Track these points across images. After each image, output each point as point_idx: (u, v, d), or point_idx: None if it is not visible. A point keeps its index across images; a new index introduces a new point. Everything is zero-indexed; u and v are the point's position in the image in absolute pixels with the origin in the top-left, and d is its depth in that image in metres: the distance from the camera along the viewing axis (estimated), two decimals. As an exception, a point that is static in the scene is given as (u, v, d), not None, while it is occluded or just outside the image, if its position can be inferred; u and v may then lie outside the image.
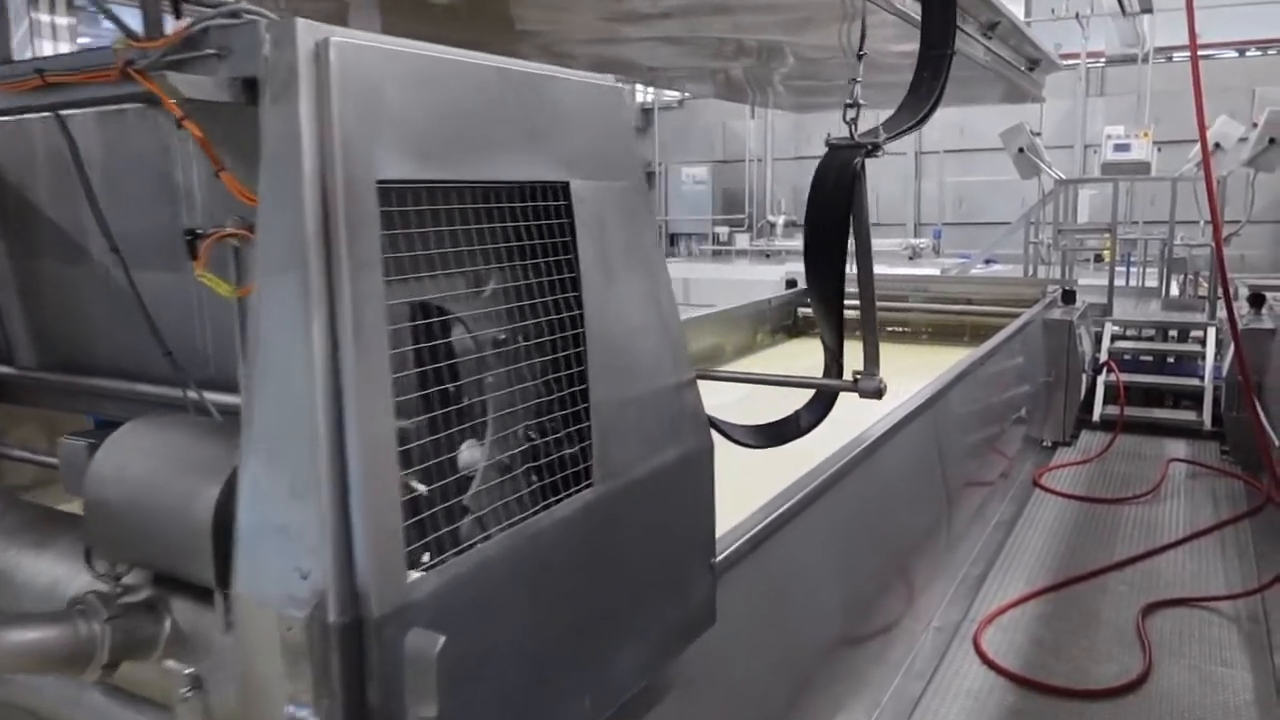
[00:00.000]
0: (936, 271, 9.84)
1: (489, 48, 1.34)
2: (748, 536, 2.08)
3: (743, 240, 14.76)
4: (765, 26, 3.84)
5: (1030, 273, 8.26)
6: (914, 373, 4.96)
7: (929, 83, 2.44)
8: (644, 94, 16.88)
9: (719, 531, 1.78)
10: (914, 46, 3.93)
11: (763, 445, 2.30)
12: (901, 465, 3.23)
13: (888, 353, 6.88)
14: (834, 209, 2.22)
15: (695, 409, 1.62)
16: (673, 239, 16.24)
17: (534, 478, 1.30)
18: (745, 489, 2.13)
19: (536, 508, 1.28)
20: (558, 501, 1.30)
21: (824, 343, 2.45)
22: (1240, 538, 4.34)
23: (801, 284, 7.29)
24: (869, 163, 2.31)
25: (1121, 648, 3.31)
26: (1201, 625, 3.49)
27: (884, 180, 14.77)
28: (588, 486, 1.35)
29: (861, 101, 2.34)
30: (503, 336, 1.26)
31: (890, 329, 6.85)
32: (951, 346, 6.22)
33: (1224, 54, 12.81)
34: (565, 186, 1.33)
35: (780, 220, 14.84)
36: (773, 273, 9.90)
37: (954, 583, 3.68)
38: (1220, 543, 4.26)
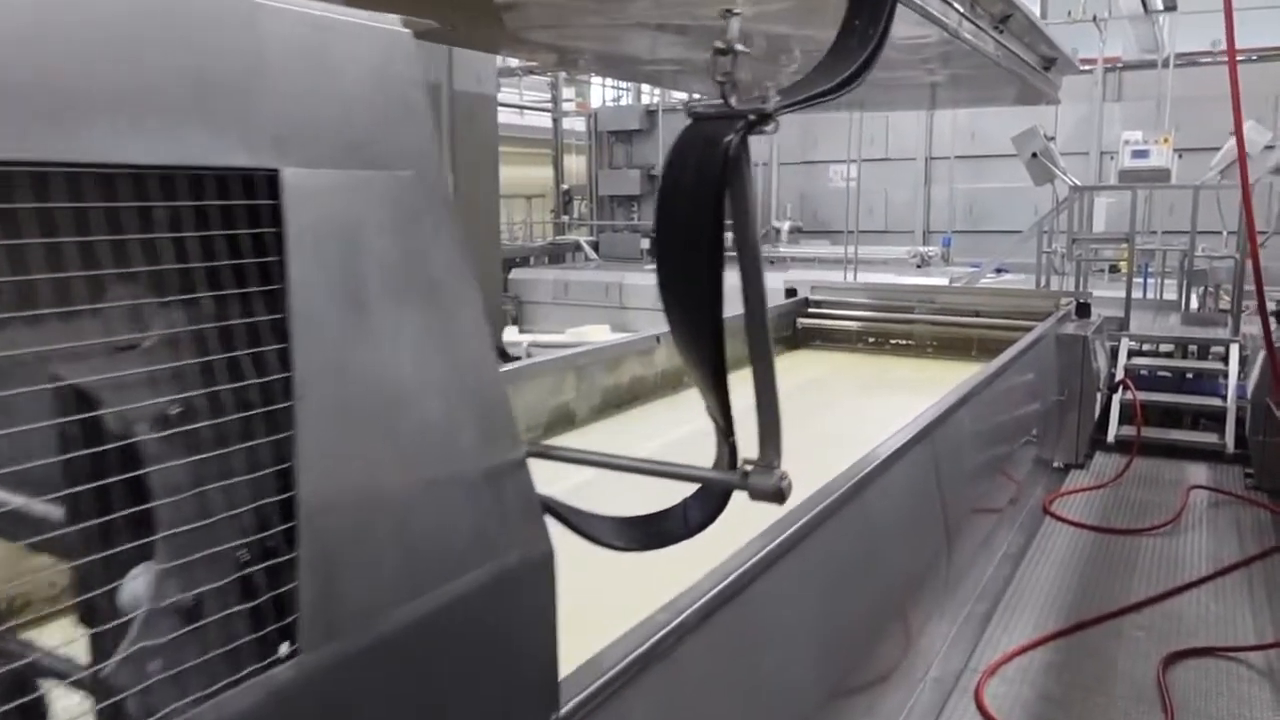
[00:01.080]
0: (945, 281, 9.50)
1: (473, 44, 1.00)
2: (705, 600, 1.76)
3: (747, 246, 14.41)
4: (769, 16, 3.57)
5: (1043, 283, 7.91)
6: (918, 389, 4.64)
7: (862, 34, 1.53)
8: (650, 95, 16.61)
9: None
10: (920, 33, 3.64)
11: (635, 547, 1.58)
12: (898, 497, 2.91)
13: (892, 367, 6.52)
14: (696, 210, 1.38)
15: (521, 501, 1.13)
16: (676, 244, 15.92)
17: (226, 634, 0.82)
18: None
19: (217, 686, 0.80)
20: (238, 682, 0.81)
21: (709, 411, 1.56)
22: (1269, 575, 3.99)
23: (805, 291, 7.01)
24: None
25: (1140, 705, 2.97)
26: (1229, 679, 3.15)
27: (894, 185, 14.44)
28: (290, 656, 0.84)
29: (740, 48, 1.39)
30: (174, 412, 0.82)
31: (894, 341, 6.52)
32: (958, 361, 5.89)
33: (1246, 59, 12.42)
34: (272, 177, 0.88)
35: (785, 226, 14.50)
36: (778, 280, 9.58)
37: (955, 625, 3.35)
38: (1248, 581, 3.92)
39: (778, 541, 2.05)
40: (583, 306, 13.33)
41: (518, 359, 4.93)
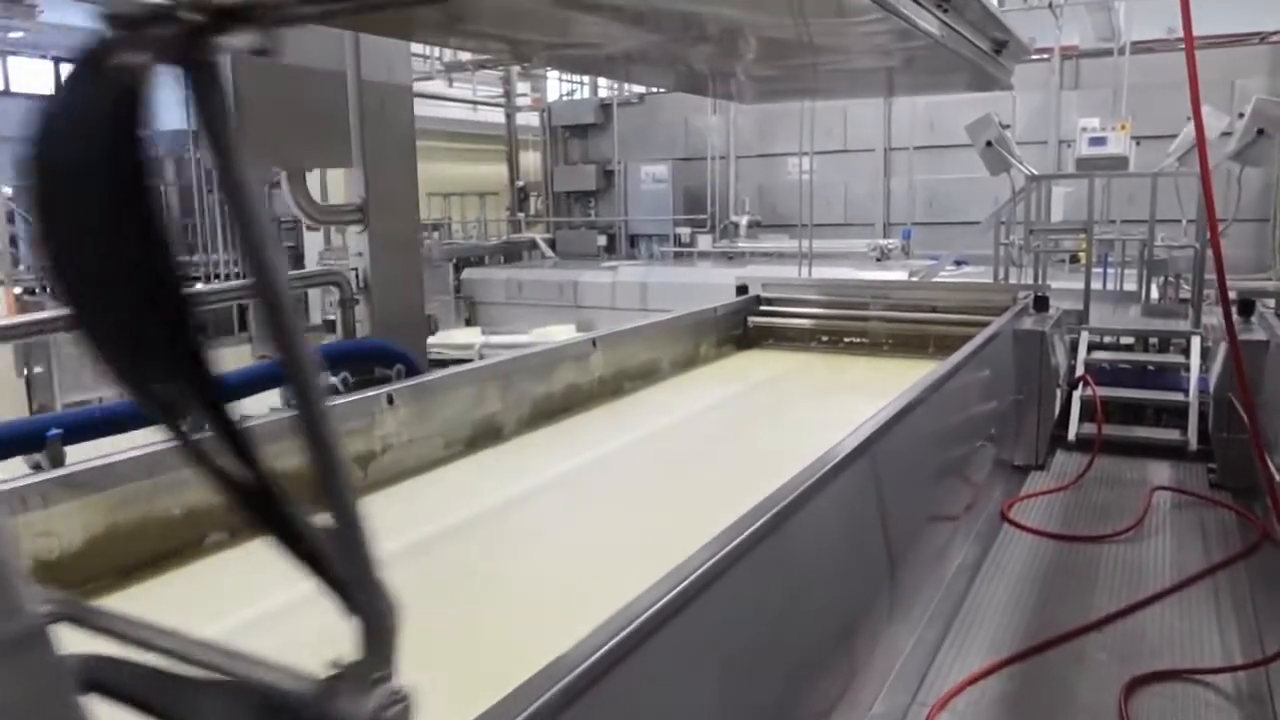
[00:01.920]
0: (905, 274, 9.29)
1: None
2: (590, 660, 1.47)
3: (705, 242, 14.16)
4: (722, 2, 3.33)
5: (1001, 276, 7.70)
6: (871, 391, 4.39)
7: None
8: (607, 89, 16.29)
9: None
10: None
11: None
12: (832, 521, 2.64)
13: (846, 367, 6.31)
14: (85, 177, 0.72)
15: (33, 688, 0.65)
16: (633, 240, 15.63)
17: None
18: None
19: None
20: None
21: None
22: (1235, 584, 3.78)
23: (757, 289, 6.75)
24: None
25: (1101, 739, 2.73)
26: (1196, 706, 2.91)
27: (852, 178, 14.24)
28: None
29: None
30: None
31: (848, 339, 6.28)
32: (915, 359, 5.65)
33: (1203, 46, 12.34)
34: None
35: (744, 220, 14.26)
36: (729, 276, 9.34)
37: (902, 655, 3.09)
38: (1213, 593, 3.70)
39: (691, 578, 1.77)
40: (537, 306, 13.04)
41: (468, 361, 4.67)
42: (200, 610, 2.30)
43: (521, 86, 17.15)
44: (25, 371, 11.26)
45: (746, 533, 2.03)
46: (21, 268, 12.94)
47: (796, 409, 4.98)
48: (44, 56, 20.72)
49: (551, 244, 15.72)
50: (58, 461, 2.44)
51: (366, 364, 3.93)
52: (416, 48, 14.40)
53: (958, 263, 9.83)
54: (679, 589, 1.71)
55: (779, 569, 2.25)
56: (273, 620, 2.18)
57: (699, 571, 1.81)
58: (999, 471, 4.97)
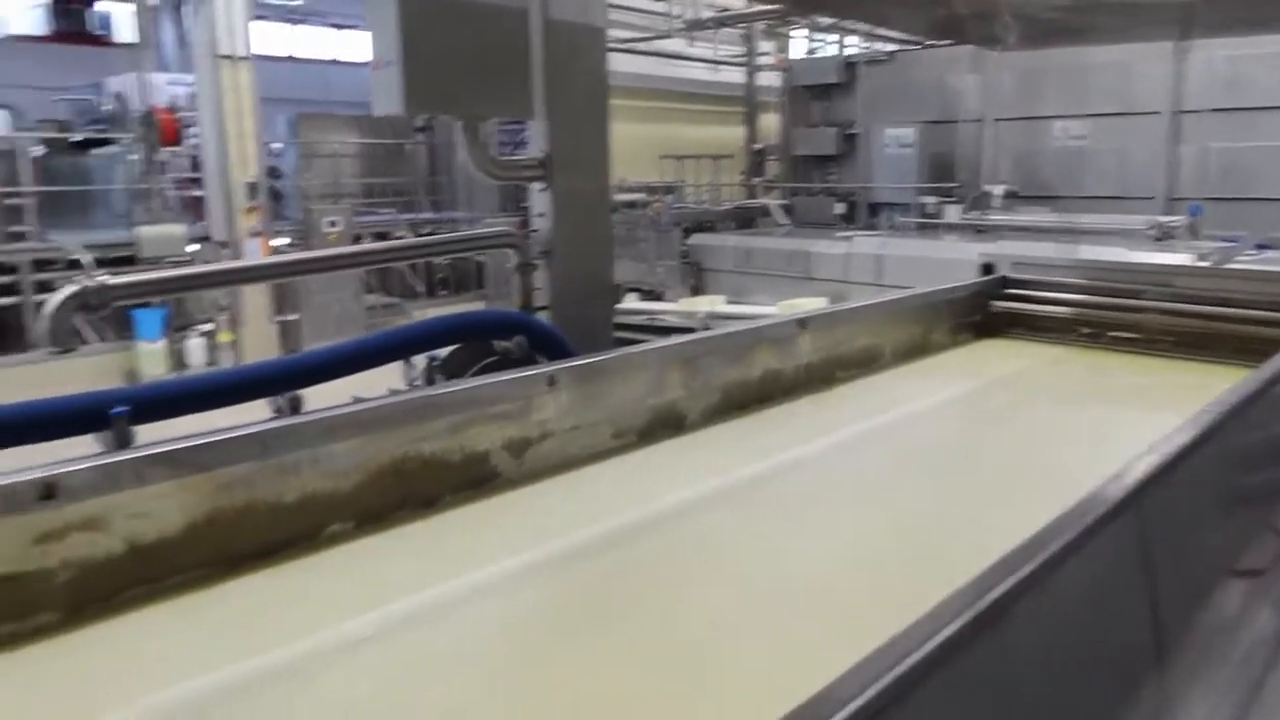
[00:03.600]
0: (1192, 258, 7.94)
1: None
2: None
3: (953, 213, 12.98)
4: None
5: (1322, 264, 6.32)
6: (1141, 399, 3.53)
7: None
8: (854, 46, 15.33)
9: None
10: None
11: None
12: (1107, 572, 1.94)
13: (1110, 368, 5.32)
14: None
15: None
16: (873, 209, 14.65)
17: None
18: None
19: None
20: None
21: None
22: None
23: (1005, 268, 5.85)
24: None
25: None
26: None
27: (1132, 144, 12.56)
28: None
29: None
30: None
31: (1114, 334, 5.27)
32: (1201, 363, 4.62)
33: None
34: None
35: (999, 190, 12.94)
36: (972, 253, 8.36)
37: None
38: None
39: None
40: (765, 275, 12.46)
41: (690, 331, 4.26)
42: (317, 607, 1.98)
43: (765, 46, 16.49)
44: (277, 317, 11.99)
45: (992, 597, 1.41)
46: (281, 223, 13.83)
47: (1045, 416, 4.14)
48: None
49: (787, 210, 15.03)
50: (125, 441, 2.18)
51: (494, 337, 3.53)
52: (657, 5, 14.08)
53: (1261, 246, 8.33)
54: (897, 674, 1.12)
55: (1011, 654, 1.61)
56: (399, 629, 1.82)
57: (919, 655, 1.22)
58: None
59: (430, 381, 3.60)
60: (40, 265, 11.35)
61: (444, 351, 3.78)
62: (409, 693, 1.72)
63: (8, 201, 12.12)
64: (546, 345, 3.93)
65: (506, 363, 3.62)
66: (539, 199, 4.45)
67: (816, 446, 3.57)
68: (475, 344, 3.65)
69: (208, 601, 2.04)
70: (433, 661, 1.84)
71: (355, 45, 22.85)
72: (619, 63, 9.39)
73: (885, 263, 11.39)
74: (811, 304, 10.57)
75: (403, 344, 3.45)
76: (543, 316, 4.27)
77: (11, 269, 11.44)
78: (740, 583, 2.35)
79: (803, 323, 4.17)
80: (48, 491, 1.89)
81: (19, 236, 12.03)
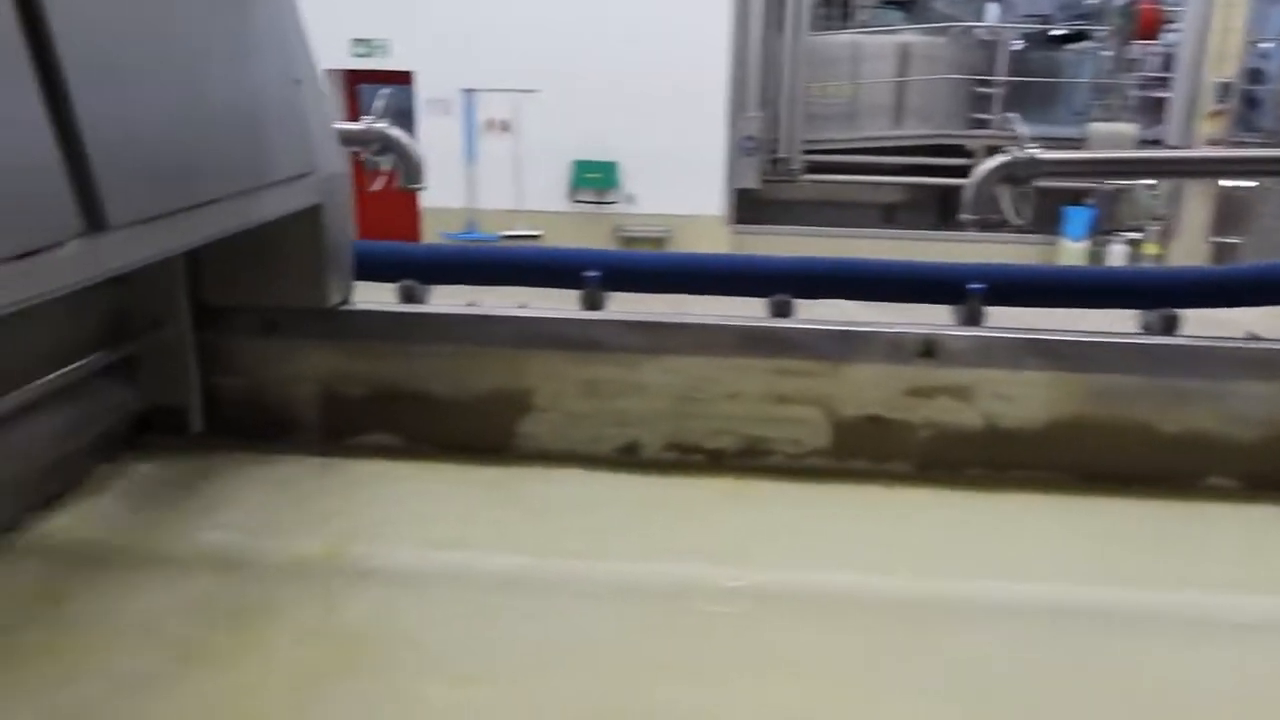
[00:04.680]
0: None
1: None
2: None
3: None
4: None
5: None
6: None
7: None
8: None
9: None
10: None
11: None
12: None
13: None
14: None
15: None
16: None
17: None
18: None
19: None
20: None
21: None
22: None
23: None
24: None
25: None
26: None
27: None
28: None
29: None
30: None
31: None
32: None
33: None
34: None
35: None
36: None
37: None
38: None
39: None
40: None
41: None
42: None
43: None
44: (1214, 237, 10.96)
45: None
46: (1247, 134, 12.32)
47: None
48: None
49: None
50: (975, 318, 2.06)
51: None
52: None
53: None
54: None
55: None
56: None
57: None
58: None
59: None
60: (993, 152, 12.01)
61: None
62: None
63: (980, 90, 13.00)
64: None
65: None
66: None
67: None
68: None
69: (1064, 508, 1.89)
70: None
71: None
72: None
73: None
74: None
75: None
76: None
77: (969, 153, 12.36)
78: None
79: None
80: (927, 349, 1.92)
81: (983, 124, 12.86)
